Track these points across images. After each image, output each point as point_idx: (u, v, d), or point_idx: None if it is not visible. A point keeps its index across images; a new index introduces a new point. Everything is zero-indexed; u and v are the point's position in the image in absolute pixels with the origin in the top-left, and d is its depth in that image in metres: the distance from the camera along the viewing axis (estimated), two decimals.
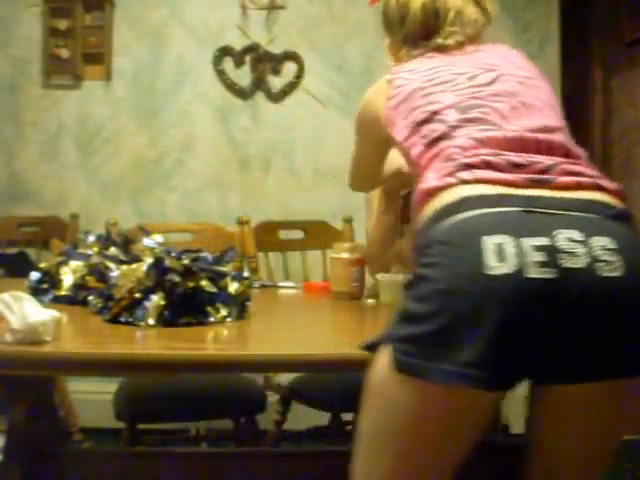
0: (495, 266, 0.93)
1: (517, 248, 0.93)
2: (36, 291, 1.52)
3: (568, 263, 0.93)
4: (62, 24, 3.18)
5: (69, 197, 3.22)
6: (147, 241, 1.48)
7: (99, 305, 1.38)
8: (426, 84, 1.24)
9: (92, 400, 2.79)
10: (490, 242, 0.94)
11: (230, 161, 3.29)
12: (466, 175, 1.05)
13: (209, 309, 1.35)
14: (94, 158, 3.26)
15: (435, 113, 1.18)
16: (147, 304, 1.30)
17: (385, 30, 1.53)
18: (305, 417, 2.51)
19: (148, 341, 1.26)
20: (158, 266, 1.33)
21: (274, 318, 1.58)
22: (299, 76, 3.27)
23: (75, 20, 3.17)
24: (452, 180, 1.05)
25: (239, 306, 1.39)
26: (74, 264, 1.56)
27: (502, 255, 0.93)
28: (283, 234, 2.77)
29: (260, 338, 1.37)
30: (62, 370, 1.40)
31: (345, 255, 1.72)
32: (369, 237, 1.97)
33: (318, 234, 2.72)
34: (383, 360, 1.00)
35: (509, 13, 3.13)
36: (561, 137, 1.15)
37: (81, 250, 1.60)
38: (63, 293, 1.53)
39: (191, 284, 1.33)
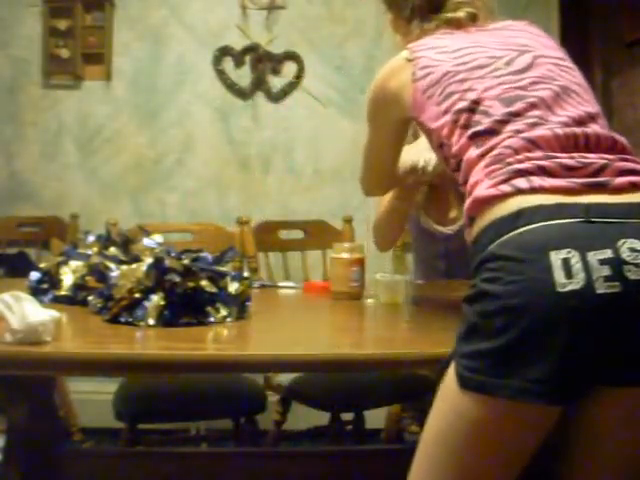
0: (564, 283, 0.92)
1: (583, 263, 0.92)
2: (36, 291, 1.51)
3: (633, 275, 0.92)
4: (62, 24, 3.18)
5: (69, 197, 3.22)
6: (147, 241, 1.48)
7: (99, 305, 1.37)
8: (460, 68, 1.19)
9: (92, 400, 2.79)
10: (557, 257, 0.93)
11: (230, 161, 3.29)
12: (522, 183, 1.02)
13: (209, 309, 1.35)
14: (94, 158, 3.26)
15: (476, 102, 1.14)
16: (147, 304, 1.30)
17: (387, 5, 1.48)
18: (305, 417, 2.51)
19: (148, 341, 1.26)
20: (158, 266, 1.33)
21: (274, 318, 1.58)
22: (299, 76, 3.27)
23: (75, 20, 3.17)
24: (508, 189, 1.03)
25: (239, 306, 1.39)
26: (74, 264, 1.56)
27: (570, 271, 0.92)
28: (283, 234, 2.77)
29: (260, 338, 1.37)
30: (62, 370, 1.40)
31: (345, 255, 1.72)
32: (379, 207, 1.94)
33: (318, 234, 2.72)
34: (453, 372, 1.00)
35: (509, 13, 3.12)
36: (604, 125, 1.14)
37: (81, 250, 1.60)
38: (63, 293, 1.53)
39: (191, 284, 1.33)
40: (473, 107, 1.14)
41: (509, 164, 1.05)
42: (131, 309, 1.31)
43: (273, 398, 2.44)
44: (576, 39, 3.37)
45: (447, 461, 1.02)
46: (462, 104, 1.15)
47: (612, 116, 3.34)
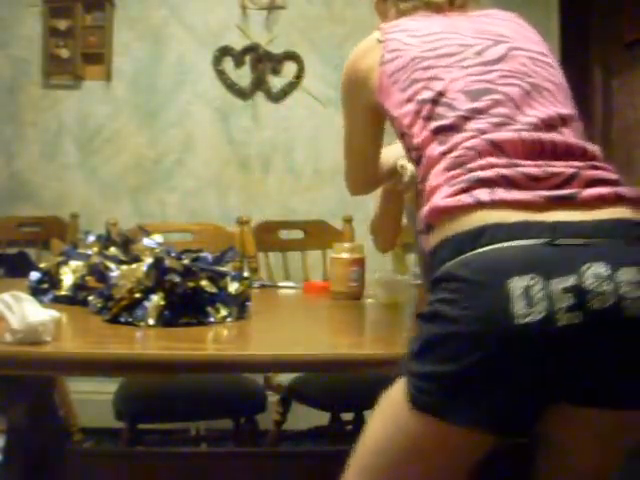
0: (523, 313, 0.88)
1: (545, 291, 0.88)
2: (36, 291, 1.51)
3: (596, 304, 0.88)
4: (62, 24, 3.18)
5: (69, 197, 3.22)
6: (147, 241, 1.48)
7: (99, 305, 1.37)
8: (428, 54, 1.13)
9: (92, 400, 2.78)
10: (517, 285, 0.88)
11: (230, 161, 3.29)
12: (483, 195, 0.97)
13: (209, 309, 1.35)
14: (94, 158, 3.26)
15: (441, 94, 1.08)
16: (147, 304, 1.30)
17: None
18: (305, 417, 2.51)
19: (148, 341, 1.26)
20: (158, 266, 1.33)
21: (274, 318, 1.58)
22: (299, 76, 3.27)
23: (75, 20, 3.17)
24: (468, 200, 0.97)
25: (239, 306, 1.39)
26: (74, 264, 1.56)
27: (530, 300, 0.88)
28: (283, 234, 2.77)
29: (260, 338, 1.37)
30: (62, 370, 1.40)
31: (345, 255, 1.72)
32: (375, 210, 1.89)
33: (318, 234, 2.72)
34: (401, 383, 0.97)
35: None
36: (577, 128, 1.09)
37: (81, 250, 1.60)
38: (63, 293, 1.53)
39: (191, 284, 1.33)
40: (437, 98, 1.08)
41: (471, 170, 1.00)
42: (131, 309, 1.31)
43: (273, 398, 2.44)
44: (576, 39, 3.37)
45: (381, 471, 1.00)
46: (426, 94, 1.09)
47: (612, 117, 3.34)
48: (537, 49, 1.17)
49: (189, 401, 2.14)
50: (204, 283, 1.35)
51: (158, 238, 1.51)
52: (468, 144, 1.02)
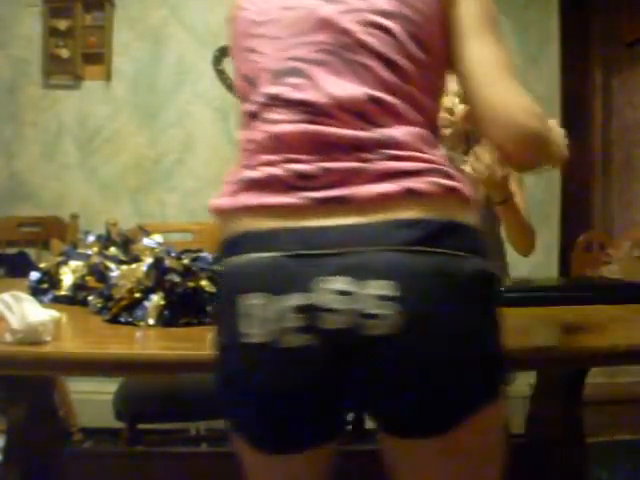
0: (247, 333, 0.85)
1: (273, 310, 0.83)
2: (36, 291, 1.51)
3: (328, 324, 0.82)
4: (62, 24, 3.18)
5: (69, 197, 3.22)
6: (147, 241, 1.48)
7: (99, 305, 1.37)
8: (260, 18, 0.98)
9: (92, 400, 2.79)
10: (245, 303, 0.85)
11: (230, 161, 3.22)
12: (250, 199, 0.91)
13: (209, 309, 1.35)
14: (94, 158, 3.26)
15: (256, 72, 0.97)
16: (147, 304, 1.30)
17: None
18: None
19: (148, 341, 1.26)
20: (158, 266, 1.33)
21: None
22: None
23: (75, 20, 3.17)
24: (239, 202, 0.92)
25: None
26: (74, 264, 1.56)
27: (255, 321, 0.84)
28: None
29: None
30: (62, 370, 1.40)
31: None
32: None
33: None
34: None
35: (509, 13, 3.13)
36: (404, 113, 0.91)
37: (81, 250, 1.60)
38: (63, 293, 1.53)
39: (191, 284, 1.33)
40: (252, 77, 0.97)
41: (247, 167, 0.93)
42: (131, 309, 1.31)
43: None
44: (576, 39, 3.37)
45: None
46: (247, 70, 0.98)
47: (612, 116, 3.34)
48: (386, 7, 0.93)
49: (189, 401, 2.13)
50: (204, 283, 1.35)
51: (158, 238, 1.51)
52: (256, 137, 0.94)
